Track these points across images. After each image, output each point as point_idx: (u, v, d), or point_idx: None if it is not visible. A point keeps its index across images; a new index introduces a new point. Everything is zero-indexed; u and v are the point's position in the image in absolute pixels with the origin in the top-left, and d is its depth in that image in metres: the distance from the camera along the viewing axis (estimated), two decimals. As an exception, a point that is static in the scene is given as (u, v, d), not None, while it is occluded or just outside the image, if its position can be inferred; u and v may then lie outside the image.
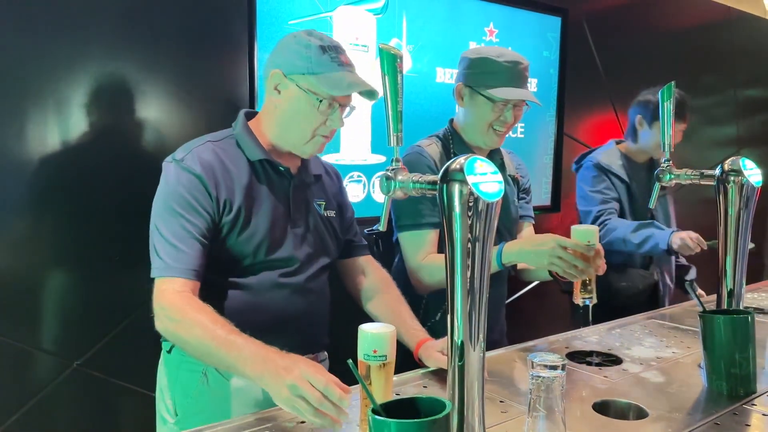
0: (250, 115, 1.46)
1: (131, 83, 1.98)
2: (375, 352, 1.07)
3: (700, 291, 2.41)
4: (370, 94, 1.37)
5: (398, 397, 0.85)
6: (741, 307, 1.39)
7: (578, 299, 1.49)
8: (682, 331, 1.76)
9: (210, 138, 1.39)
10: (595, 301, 1.49)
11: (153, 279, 1.26)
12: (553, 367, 0.90)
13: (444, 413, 0.79)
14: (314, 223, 1.45)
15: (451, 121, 1.83)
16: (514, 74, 1.65)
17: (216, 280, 1.32)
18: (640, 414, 1.19)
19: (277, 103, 1.36)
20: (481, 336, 0.91)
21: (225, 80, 2.20)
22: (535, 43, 3.17)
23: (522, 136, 3.20)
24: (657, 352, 1.56)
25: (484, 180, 0.88)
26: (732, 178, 1.37)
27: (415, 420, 0.78)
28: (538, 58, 3.18)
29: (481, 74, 1.66)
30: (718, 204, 1.40)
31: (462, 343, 0.91)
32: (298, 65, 1.32)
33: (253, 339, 1.14)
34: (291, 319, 1.38)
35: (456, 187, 0.87)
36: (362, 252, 1.61)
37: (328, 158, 2.53)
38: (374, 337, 1.07)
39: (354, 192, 2.63)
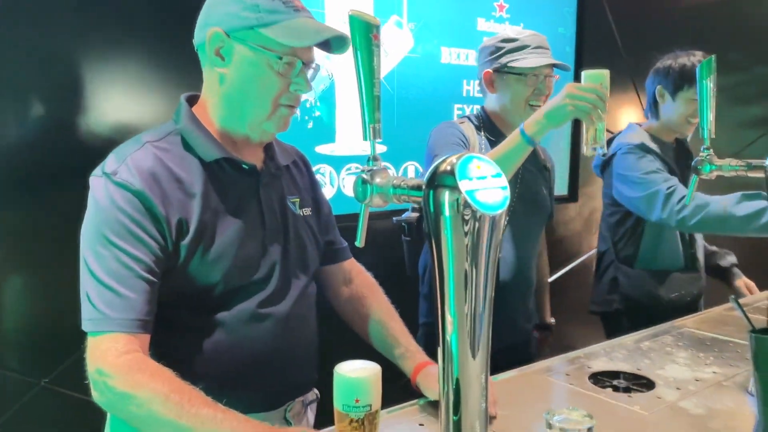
0: (193, 100, 1.15)
1: (92, 69, 1.78)
2: (357, 401, 0.88)
3: (747, 282, 2.11)
4: (340, 43, 1.08)
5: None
6: (799, 324, 1.16)
7: (588, 149, 1.41)
8: (722, 342, 1.54)
9: (148, 138, 1.07)
10: (605, 150, 1.51)
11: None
12: (578, 430, 0.69)
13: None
14: (293, 230, 1.18)
15: (483, 108, 1.79)
16: (537, 45, 1.67)
17: (177, 319, 1.05)
18: (682, 461, 0.98)
19: (222, 74, 1.06)
20: (483, 378, 0.70)
21: (190, 63, 2.00)
22: (549, 19, 2.92)
23: (536, 120, 2.97)
24: (694, 372, 1.34)
25: (483, 186, 0.66)
26: (789, 168, 1.13)
27: None
28: (552, 35, 2.93)
29: (506, 53, 1.67)
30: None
31: (457, 387, 0.70)
32: (244, 18, 1.03)
33: (232, 411, 0.91)
34: (274, 358, 1.11)
35: (446, 196, 0.66)
36: (345, 256, 1.35)
37: (321, 149, 2.33)
38: (355, 383, 0.87)
39: (351, 186, 2.42)
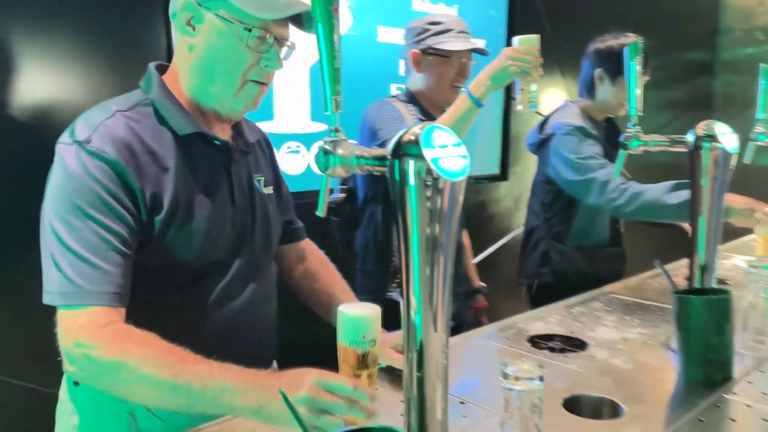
0: (162, 70, 1.10)
1: (17, 43, 1.69)
2: (364, 337, 0.96)
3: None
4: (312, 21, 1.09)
5: (345, 429, 0.68)
6: (715, 284, 1.28)
7: (526, 106, 1.56)
8: (645, 306, 1.67)
9: (117, 107, 1.02)
10: (539, 108, 1.60)
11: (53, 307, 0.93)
12: (530, 379, 0.75)
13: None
14: (260, 208, 1.16)
15: (407, 88, 1.88)
16: (460, 30, 1.78)
17: (140, 296, 0.99)
18: (615, 410, 1.07)
19: (192, 44, 1.03)
20: (444, 338, 0.75)
21: (136, 33, 1.93)
22: (481, 1, 3.00)
23: (469, 100, 3.05)
24: (622, 333, 1.45)
25: (446, 154, 0.70)
26: (706, 144, 1.24)
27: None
28: (484, 18, 3.02)
29: (432, 35, 1.78)
30: (690, 172, 1.28)
31: (421, 347, 0.74)
32: None
33: (227, 365, 0.89)
34: (240, 335, 1.10)
35: (411, 164, 0.69)
36: (302, 235, 1.37)
37: (261, 126, 2.31)
38: (361, 320, 0.97)
39: (292, 165, 2.42)
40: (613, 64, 2.01)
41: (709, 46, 4.71)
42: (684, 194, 1.78)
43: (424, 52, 1.78)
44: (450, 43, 1.74)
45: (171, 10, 1.07)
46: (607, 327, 1.49)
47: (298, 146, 2.42)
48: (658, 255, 1.38)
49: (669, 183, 1.84)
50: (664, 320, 1.53)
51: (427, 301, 0.73)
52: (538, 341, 1.40)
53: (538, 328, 1.49)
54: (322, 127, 2.44)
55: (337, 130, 0.83)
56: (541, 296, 2.11)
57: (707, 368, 1.15)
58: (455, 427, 0.97)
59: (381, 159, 0.76)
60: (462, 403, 1.08)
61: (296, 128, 2.41)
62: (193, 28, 1.03)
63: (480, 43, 1.77)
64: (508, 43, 3.13)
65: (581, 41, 2.44)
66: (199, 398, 0.86)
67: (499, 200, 3.49)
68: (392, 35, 2.63)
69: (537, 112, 1.56)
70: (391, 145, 0.72)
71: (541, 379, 0.75)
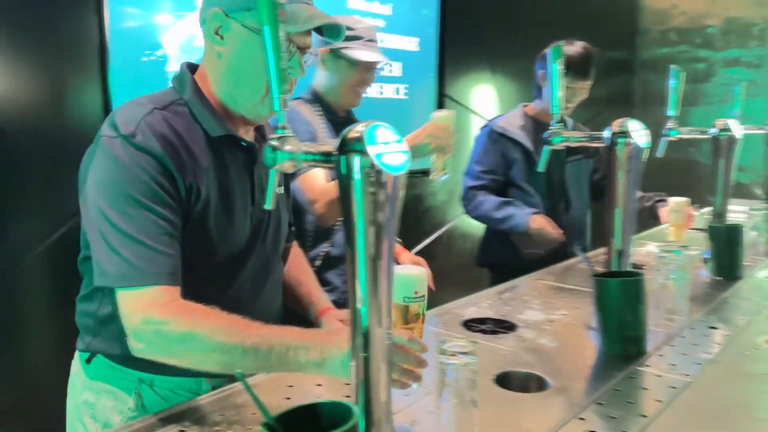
0: (192, 69, 1.15)
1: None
2: (416, 293, 1.11)
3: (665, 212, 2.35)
4: (333, 30, 1.14)
5: (296, 405, 0.73)
6: (630, 268, 1.41)
7: (438, 175, 1.71)
8: (568, 290, 1.79)
9: (154, 103, 1.08)
10: (449, 174, 1.73)
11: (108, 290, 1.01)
12: (465, 353, 0.83)
13: (349, 425, 0.68)
14: (277, 209, 1.24)
15: (313, 87, 1.91)
16: (370, 38, 1.82)
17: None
18: (542, 384, 1.17)
19: (220, 52, 1.09)
20: (387, 320, 0.81)
21: (67, 27, 1.90)
22: (414, 0, 3.07)
23: (405, 97, 3.13)
24: (547, 315, 1.56)
25: (388, 150, 0.76)
26: (620, 140, 1.36)
27: (320, 435, 0.67)
28: (417, 16, 3.10)
29: (343, 40, 1.80)
30: (608, 165, 1.39)
31: (367, 330, 0.80)
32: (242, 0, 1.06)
33: (288, 327, 0.98)
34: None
35: (356, 160, 0.75)
36: (293, 238, 1.46)
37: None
38: (413, 278, 1.11)
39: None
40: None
41: (629, 45, 4.99)
42: (509, 210, 2.25)
43: (332, 52, 1.81)
44: (357, 51, 1.78)
45: (200, 18, 1.12)
46: (534, 310, 1.60)
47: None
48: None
49: (500, 200, 2.27)
50: (585, 302, 1.65)
51: (371, 288, 0.79)
52: (471, 324, 1.49)
53: (472, 312, 1.58)
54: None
55: (285, 127, 0.88)
56: (495, 276, 2.38)
57: (623, 344, 1.27)
58: (398, 405, 1.04)
59: (327, 155, 0.81)
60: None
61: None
62: (221, 37, 1.09)
63: (383, 58, 1.88)
64: (441, 43, 3.25)
65: (509, 40, 2.57)
66: (267, 358, 0.93)
67: (434, 194, 3.60)
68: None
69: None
70: (337, 142, 0.78)
71: (474, 354, 0.83)
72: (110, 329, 1.11)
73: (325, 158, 0.82)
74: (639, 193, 2.40)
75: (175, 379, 1.15)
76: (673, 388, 1.12)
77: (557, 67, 1.45)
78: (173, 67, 2.23)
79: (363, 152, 0.75)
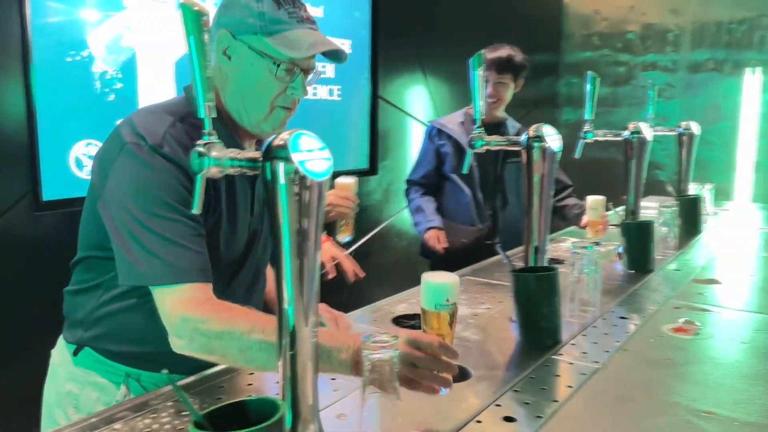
0: None
1: None
2: (448, 300, 1.15)
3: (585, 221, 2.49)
4: (336, 54, 1.18)
5: (223, 403, 0.76)
6: (546, 263, 1.50)
7: (342, 237, 1.87)
8: (492, 285, 1.88)
9: (173, 115, 1.12)
10: (352, 236, 1.90)
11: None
12: (388, 347, 0.88)
13: (275, 418, 0.72)
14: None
15: None
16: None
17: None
18: (464, 375, 1.23)
19: (227, 71, 1.15)
20: (313, 320, 0.85)
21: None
22: (346, 3, 3.11)
23: (339, 99, 3.16)
24: (472, 309, 1.64)
25: (311, 157, 0.80)
26: (536, 143, 1.45)
27: (245, 430, 0.70)
28: (349, 19, 3.14)
29: None
30: (524, 167, 1.48)
31: (293, 329, 0.84)
32: (249, 23, 1.12)
33: (322, 328, 0.98)
34: None
35: (281, 166, 0.79)
36: None
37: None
38: (444, 286, 1.15)
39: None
40: (492, 71, 2.41)
41: (554, 49, 5.20)
42: (418, 217, 2.54)
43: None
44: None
45: (208, 38, 1.14)
46: (460, 305, 1.67)
47: (166, 142, 2.40)
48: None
49: (418, 203, 2.54)
50: (508, 296, 1.73)
51: (297, 289, 0.83)
52: (401, 320, 1.55)
53: (402, 308, 1.64)
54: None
55: (211, 134, 0.91)
56: (435, 265, 2.55)
57: (540, 334, 1.36)
58: (327, 399, 1.09)
59: (253, 161, 0.84)
60: (333, 379, 1.19)
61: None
62: (229, 57, 1.14)
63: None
64: (374, 45, 3.30)
65: (440, 43, 2.65)
66: None
67: (369, 193, 3.66)
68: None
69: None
70: (263, 149, 0.81)
71: (396, 347, 0.88)
72: (105, 325, 1.18)
73: (251, 164, 0.85)
74: (573, 200, 2.58)
75: (162, 375, 1.14)
76: (583, 374, 1.21)
77: (478, 75, 1.53)
78: (99, 68, 2.19)
79: (287, 159, 0.78)
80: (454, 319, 1.20)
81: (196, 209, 0.95)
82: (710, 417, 1.05)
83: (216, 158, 0.89)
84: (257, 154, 0.82)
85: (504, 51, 2.43)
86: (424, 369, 0.96)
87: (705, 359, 1.32)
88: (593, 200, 2.24)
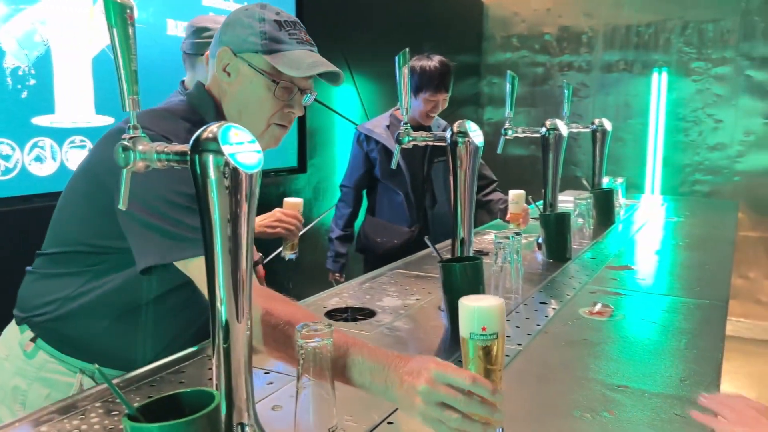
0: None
1: None
2: (484, 329, 0.92)
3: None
4: (334, 76, 1.21)
5: (158, 396, 0.76)
6: (471, 254, 1.56)
7: (288, 255, 1.97)
8: (422, 278, 1.93)
9: (188, 121, 1.13)
10: (297, 254, 1.99)
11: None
12: (321, 336, 0.90)
13: (211, 407, 0.73)
14: None
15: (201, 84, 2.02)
16: None
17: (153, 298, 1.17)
18: (396, 363, 1.27)
19: (226, 87, 1.19)
20: (246, 313, 0.86)
21: None
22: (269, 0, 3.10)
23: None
24: (403, 301, 1.69)
25: (242, 150, 0.81)
26: (460, 139, 1.50)
27: (180, 420, 0.70)
28: (275, 16, 3.13)
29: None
30: (450, 163, 1.53)
31: (227, 322, 0.85)
32: (251, 42, 1.16)
33: (357, 339, 0.94)
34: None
35: (210, 158, 0.79)
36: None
37: (39, 120, 2.17)
38: (480, 312, 0.93)
39: (79, 159, 2.30)
40: (415, 80, 2.41)
41: (476, 50, 5.35)
42: (331, 248, 2.71)
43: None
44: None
45: (210, 52, 1.20)
46: (391, 297, 1.72)
47: (83, 140, 2.32)
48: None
49: (335, 234, 2.71)
50: (437, 288, 1.79)
51: (230, 284, 0.84)
52: (333, 314, 1.58)
53: (334, 302, 1.66)
54: (108, 119, 2.36)
55: (135, 128, 0.90)
56: (368, 262, 2.67)
57: (466, 321, 1.41)
58: (263, 392, 1.10)
59: (182, 154, 0.84)
60: (266, 372, 1.20)
61: (81, 122, 2.30)
62: (228, 74, 1.18)
63: None
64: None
65: (366, 43, 2.69)
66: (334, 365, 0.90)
67: (298, 191, 3.64)
68: (182, 28, 2.62)
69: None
70: (191, 142, 0.81)
71: (331, 335, 0.90)
72: (75, 311, 1.18)
73: (180, 158, 0.85)
74: (498, 195, 2.68)
75: (117, 372, 1.17)
76: (507, 356, 1.27)
77: (404, 72, 1.57)
78: (11, 64, 2.08)
79: (217, 152, 0.79)
80: (495, 354, 0.94)
81: (122, 205, 0.94)
82: (623, 390, 1.14)
83: (142, 152, 0.88)
84: (185, 148, 0.82)
85: (438, 61, 2.44)
86: (455, 412, 0.83)
87: (618, 338, 1.42)
88: (515, 194, 2.34)
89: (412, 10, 4.32)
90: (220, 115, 1.22)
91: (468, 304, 0.95)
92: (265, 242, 2.30)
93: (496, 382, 0.93)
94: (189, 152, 0.81)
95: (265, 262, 2.49)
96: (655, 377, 1.19)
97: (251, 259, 0.85)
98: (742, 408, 0.89)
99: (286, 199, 1.94)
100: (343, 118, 3.72)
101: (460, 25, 5.07)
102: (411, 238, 2.57)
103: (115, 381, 1.13)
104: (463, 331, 0.95)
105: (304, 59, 1.19)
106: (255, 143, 0.84)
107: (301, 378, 0.91)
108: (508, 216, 2.42)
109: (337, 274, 2.69)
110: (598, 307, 1.58)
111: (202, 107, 1.22)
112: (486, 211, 2.70)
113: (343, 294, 1.75)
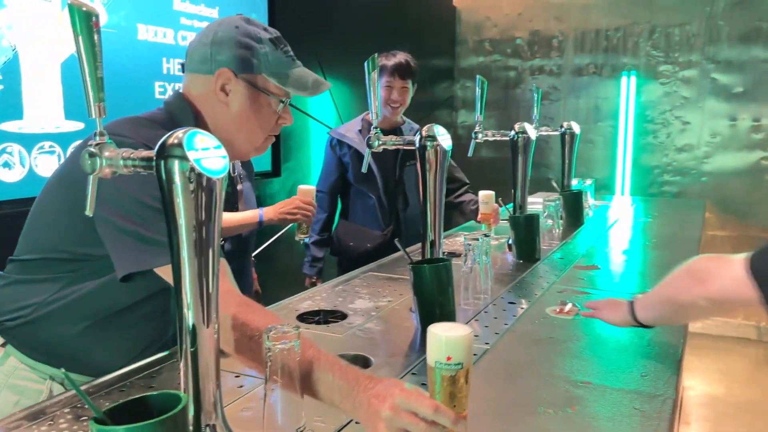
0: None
1: None
2: (449, 359, 0.91)
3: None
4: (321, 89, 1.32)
5: (126, 399, 0.77)
6: (441, 255, 1.59)
7: (301, 238, 2.14)
8: (394, 280, 1.96)
9: (165, 129, 1.08)
10: (310, 237, 2.21)
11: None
12: (289, 338, 0.91)
13: (178, 408, 0.74)
14: None
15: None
16: None
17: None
18: (366, 364, 1.29)
19: (221, 106, 1.22)
20: (213, 317, 0.87)
21: None
22: (242, 5, 3.10)
23: (237, 100, 3.14)
24: (375, 303, 1.71)
25: (207, 155, 0.82)
26: (429, 143, 1.53)
27: (147, 422, 0.71)
28: (247, 20, 3.13)
29: None
30: (419, 166, 1.55)
31: (194, 327, 0.86)
32: (253, 63, 1.20)
33: (330, 355, 0.95)
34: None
35: (176, 164, 0.80)
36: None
37: (7, 126, 2.15)
38: (447, 341, 0.92)
39: (48, 165, 2.28)
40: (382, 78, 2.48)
41: (450, 54, 5.40)
42: (308, 254, 2.72)
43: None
44: None
45: (194, 69, 1.24)
46: (363, 299, 1.74)
47: (52, 146, 2.29)
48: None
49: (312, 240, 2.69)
50: (407, 288, 1.81)
51: (196, 285, 0.85)
52: (306, 317, 1.59)
53: (307, 306, 1.67)
54: (78, 125, 2.34)
55: (102, 134, 0.90)
56: (339, 267, 2.72)
57: (435, 321, 1.43)
58: (233, 395, 1.11)
59: (148, 160, 0.85)
60: (237, 376, 1.21)
61: (49, 128, 2.28)
62: (227, 93, 1.21)
63: None
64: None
65: (340, 48, 2.72)
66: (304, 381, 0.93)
67: (273, 195, 3.64)
68: (153, 33, 2.62)
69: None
70: (156, 148, 0.82)
71: (298, 336, 0.92)
72: (49, 315, 1.17)
73: (146, 163, 0.86)
74: (470, 196, 2.72)
75: (87, 378, 1.17)
76: (475, 354, 1.30)
77: (373, 77, 1.59)
78: (-24, 68, 2.06)
79: (182, 157, 0.80)
80: (460, 383, 0.93)
81: (89, 211, 0.94)
82: (586, 386, 1.17)
83: (108, 158, 0.89)
84: (151, 153, 0.83)
85: (401, 56, 2.53)
86: None
87: (583, 336, 1.45)
88: (484, 194, 2.38)
89: (386, 15, 4.36)
90: (199, 126, 1.21)
91: (436, 332, 0.94)
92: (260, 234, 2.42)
93: (461, 411, 0.93)
94: (155, 158, 0.82)
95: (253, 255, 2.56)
96: (616, 373, 1.23)
97: (218, 263, 0.87)
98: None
99: (301, 187, 2.07)
100: (317, 122, 3.73)
101: (434, 30, 5.12)
102: (384, 242, 2.59)
103: (84, 386, 1.13)
104: (430, 358, 0.95)
105: (306, 78, 1.28)
106: (221, 149, 0.85)
107: (269, 380, 0.93)
108: (479, 216, 2.45)
109: (314, 278, 2.71)
110: (568, 306, 1.62)
111: (181, 117, 1.24)
112: (459, 213, 2.73)
113: (315, 297, 1.76)
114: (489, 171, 4.92)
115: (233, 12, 3.03)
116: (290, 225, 2.18)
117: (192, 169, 0.80)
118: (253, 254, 2.58)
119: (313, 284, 2.66)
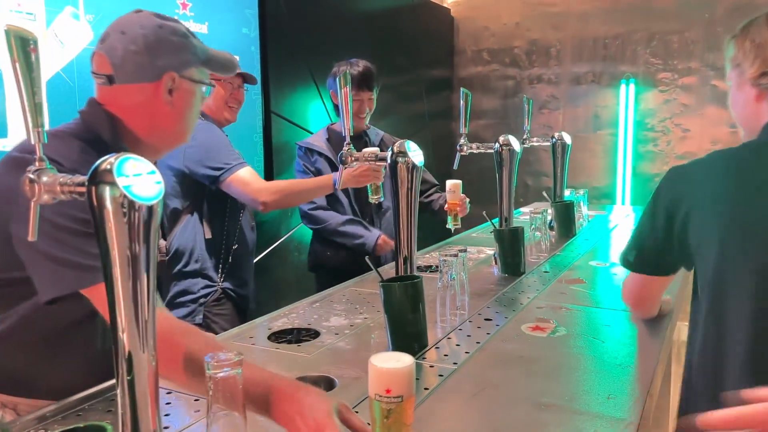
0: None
1: None
2: (388, 392, 0.91)
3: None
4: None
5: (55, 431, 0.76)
6: (415, 272, 1.56)
7: (374, 199, 2.27)
8: (374, 295, 1.93)
9: (80, 140, 1.15)
10: (383, 197, 2.30)
11: None
12: (230, 366, 0.89)
13: (103, 442, 0.73)
14: None
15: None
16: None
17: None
18: (330, 385, 1.27)
19: (163, 107, 1.24)
20: (150, 343, 0.86)
21: None
22: (233, 19, 3.11)
23: (227, 114, 3.14)
24: (350, 320, 1.69)
25: (140, 181, 0.81)
26: (400, 159, 1.51)
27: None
28: (238, 36, 3.14)
29: None
30: (392, 182, 1.54)
31: (130, 355, 0.84)
32: (190, 59, 1.26)
33: (269, 371, 1.00)
34: None
35: (106, 190, 0.79)
36: None
37: (-7, 145, 2.16)
38: (386, 373, 0.91)
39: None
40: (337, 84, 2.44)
41: (448, 64, 5.40)
42: (356, 230, 2.60)
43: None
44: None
45: (137, 76, 1.23)
46: (339, 316, 1.72)
47: (40, 163, 2.30)
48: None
49: (345, 217, 2.62)
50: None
51: (131, 313, 0.83)
52: (279, 335, 1.57)
53: (281, 324, 1.66)
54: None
55: (41, 159, 0.90)
56: (318, 282, 2.71)
57: (406, 340, 1.42)
58: (181, 422, 1.09)
59: (82, 185, 0.84)
60: (196, 400, 1.19)
61: (37, 144, 2.29)
62: (171, 94, 1.25)
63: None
64: (263, 61, 3.31)
65: (332, 57, 2.71)
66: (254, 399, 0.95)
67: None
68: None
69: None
70: (89, 173, 0.81)
71: (240, 364, 0.90)
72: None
73: (80, 188, 0.85)
74: (437, 194, 2.78)
75: (40, 403, 1.15)
76: (441, 375, 1.28)
77: (344, 93, 1.58)
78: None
79: (113, 184, 0.79)
80: (400, 416, 0.92)
81: (32, 237, 0.93)
82: (549, 408, 1.14)
83: (47, 184, 0.88)
84: (84, 179, 0.82)
85: (363, 65, 2.56)
86: None
87: (554, 355, 1.42)
88: (452, 183, 2.39)
89: (384, 26, 4.36)
90: (116, 131, 1.22)
91: (374, 364, 0.93)
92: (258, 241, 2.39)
93: None
94: (87, 183, 0.81)
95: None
96: (584, 395, 1.20)
97: (153, 288, 0.85)
98: None
99: (366, 150, 2.05)
100: (310, 134, 3.73)
101: (432, 40, 5.11)
102: (362, 251, 2.58)
103: (41, 411, 1.12)
104: (370, 389, 0.94)
105: (225, 58, 1.36)
106: (155, 174, 0.84)
107: (212, 408, 0.91)
108: (446, 206, 2.44)
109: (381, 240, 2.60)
110: (538, 322, 1.59)
111: (97, 124, 1.22)
112: (429, 212, 2.77)
113: (291, 314, 1.74)
114: (491, 182, 4.89)
115: (225, 26, 3.05)
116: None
117: (124, 196, 0.79)
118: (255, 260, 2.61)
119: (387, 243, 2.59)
